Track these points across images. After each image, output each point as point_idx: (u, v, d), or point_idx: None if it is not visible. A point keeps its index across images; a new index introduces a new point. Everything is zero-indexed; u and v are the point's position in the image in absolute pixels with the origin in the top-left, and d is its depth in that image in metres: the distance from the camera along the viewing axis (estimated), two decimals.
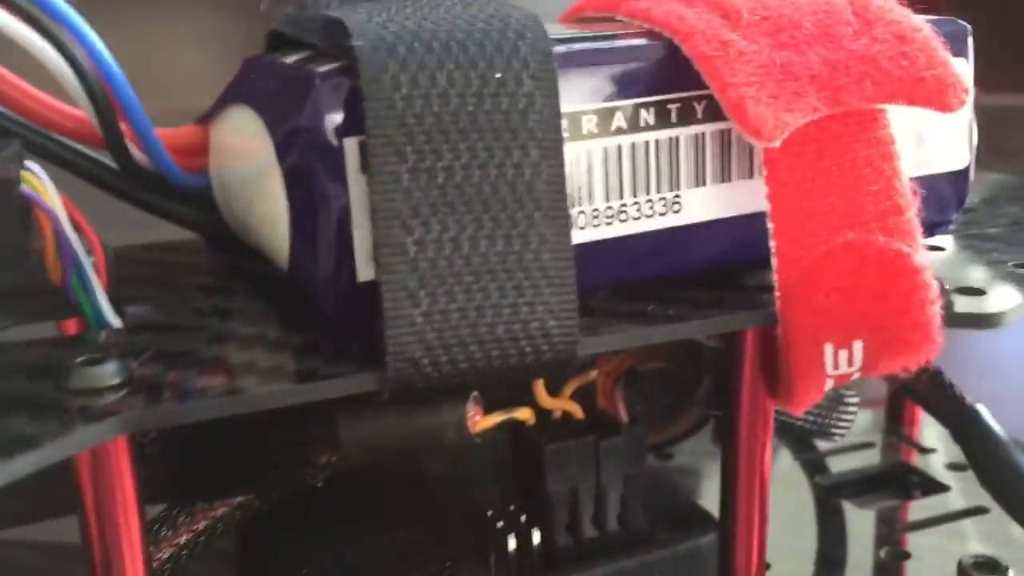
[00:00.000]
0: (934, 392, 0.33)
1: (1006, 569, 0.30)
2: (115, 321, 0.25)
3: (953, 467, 0.38)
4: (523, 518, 0.28)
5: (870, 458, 0.39)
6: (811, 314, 0.25)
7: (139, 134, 0.27)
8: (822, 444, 0.39)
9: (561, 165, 0.23)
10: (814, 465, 0.38)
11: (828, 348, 0.25)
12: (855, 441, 0.39)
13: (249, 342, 0.24)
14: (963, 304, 0.26)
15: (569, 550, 0.27)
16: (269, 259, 0.26)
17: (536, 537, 0.28)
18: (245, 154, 0.26)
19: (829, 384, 0.26)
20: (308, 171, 0.23)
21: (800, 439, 0.35)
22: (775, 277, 0.25)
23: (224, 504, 0.26)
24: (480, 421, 0.24)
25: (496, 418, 0.25)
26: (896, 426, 0.40)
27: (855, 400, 0.35)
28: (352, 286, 0.23)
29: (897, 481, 0.38)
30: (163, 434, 0.25)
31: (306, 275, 0.24)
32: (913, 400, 0.33)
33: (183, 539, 0.25)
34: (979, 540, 0.33)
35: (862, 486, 0.37)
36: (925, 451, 0.39)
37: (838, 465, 0.38)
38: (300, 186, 0.23)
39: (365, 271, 0.23)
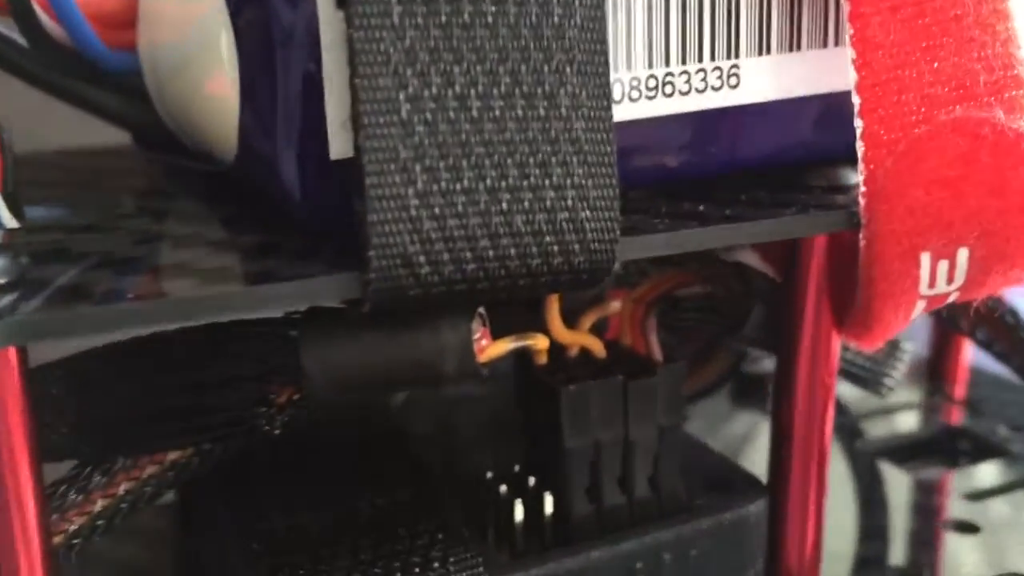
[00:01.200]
0: (1006, 335, 0.28)
1: None
2: (10, 221, 0.19)
3: (1014, 429, 0.33)
4: (532, 481, 0.22)
5: (909, 422, 0.34)
6: (907, 213, 0.19)
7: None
8: (857, 405, 0.34)
9: (601, 5, 0.17)
10: (848, 430, 0.33)
11: (925, 258, 0.20)
12: (893, 402, 0.34)
13: (185, 242, 0.18)
14: None
15: (589, 520, 0.22)
16: (214, 155, 0.20)
17: (549, 504, 0.22)
18: (183, 20, 0.20)
19: (920, 307, 0.21)
20: (265, 9, 0.17)
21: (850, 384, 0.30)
22: (861, 167, 0.19)
23: (153, 461, 0.20)
24: (488, 347, 0.18)
25: (508, 344, 0.19)
26: (939, 384, 0.35)
27: (910, 347, 0.30)
28: (323, 166, 0.17)
29: (946, 447, 0.32)
30: (72, 368, 0.19)
31: (262, 158, 0.18)
32: (980, 344, 0.28)
33: (97, 506, 0.20)
34: None
35: (906, 453, 0.32)
36: (976, 413, 0.34)
37: (874, 429, 0.33)
38: (255, 32, 0.17)
39: (341, 144, 0.17)
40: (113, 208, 0.21)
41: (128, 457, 0.20)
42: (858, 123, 0.19)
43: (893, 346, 0.29)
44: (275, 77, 0.17)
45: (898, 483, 0.30)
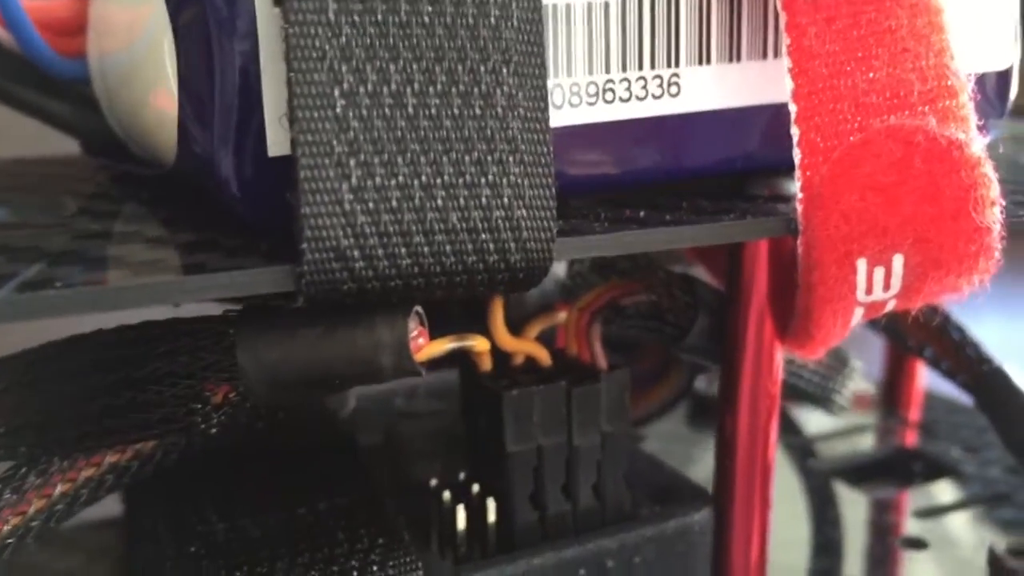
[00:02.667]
0: (953, 352, 0.28)
1: None
2: None
3: (966, 450, 0.33)
4: (475, 488, 0.22)
5: (864, 443, 0.34)
6: (842, 219, 0.20)
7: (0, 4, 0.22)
8: (810, 427, 0.34)
9: (537, 8, 0.18)
10: (803, 450, 0.33)
11: (862, 264, 0.20)
12: (847, 424, 0.34)
13: (124, 239, 0.18)
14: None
15: (532, 527, 0.22)
16: (159, 159, 0.20)
17: (492, 511, 0.22)
18: (129, 29, 0.21)
19: (858, 315, 0.21)
20: (203, 5, 0.17)
21: (799, 401, 0.30)
22: (798, 174, 0.20)
23: (90, 464, 0.20)
24: (425, 346, 0.19)
25: (446, 343, 0.19)
26: (893, 407, 0.35)
27: (859, 365, 0.30)
28: (261, 163, 0.17)
29: (899, 467, 0.33)
30: (6, 368, 0.19)
31: (202, 156, 0.18)
32: (928, 362, 0.29)
33: (32, 507, 0.19)
34: (1003, 528, 0.29)
35: (860, 473, 0.32)
36: (928, 434, 0.34)
37: (829, 451, 0.33)
38: (193, 29, 0.18)
39: (278, 141, 0.17)
40: (55, 209, 0.21)
41: (64, 457, 0.20)
42: (795, 131, 0.20)
43: (842, 362, 0.29)
44: (213, 73, 0.17)
45: (852, 502, 0.30)
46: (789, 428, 0.34)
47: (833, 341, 0.22)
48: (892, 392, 0.36)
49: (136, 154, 0.22)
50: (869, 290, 0.20)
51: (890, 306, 0.21)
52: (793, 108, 0.20)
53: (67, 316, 0.15)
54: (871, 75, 0.20)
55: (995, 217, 0.20)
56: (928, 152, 0.19)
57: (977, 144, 0.20)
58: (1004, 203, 0.20)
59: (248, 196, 0.18)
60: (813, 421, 0.34)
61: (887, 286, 0.20)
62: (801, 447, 0.33)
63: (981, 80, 0.23)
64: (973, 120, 0.20)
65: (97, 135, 0.23)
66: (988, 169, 0.19)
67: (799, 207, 0.20)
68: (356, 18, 0.16)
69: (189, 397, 0.18)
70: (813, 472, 0.32)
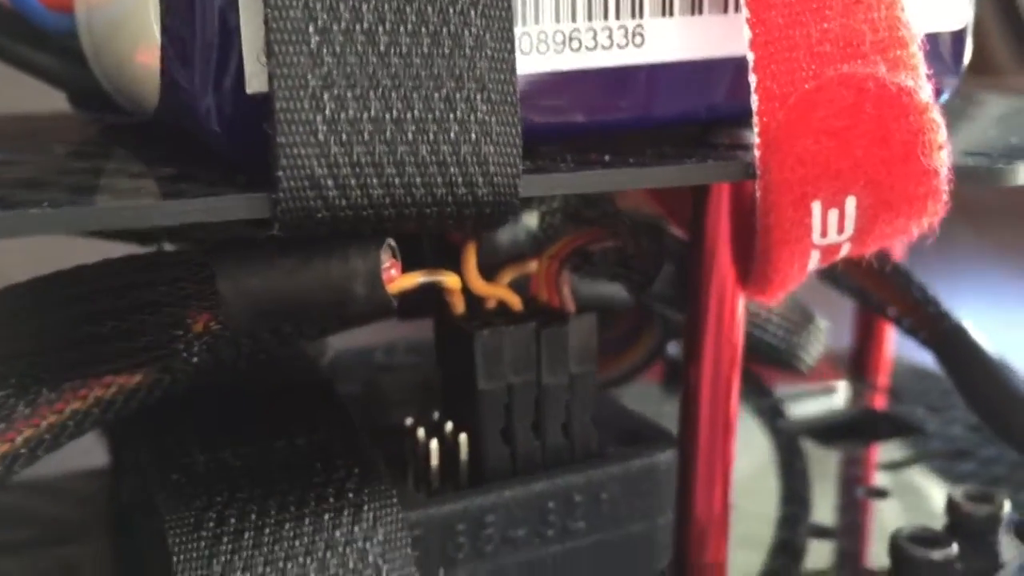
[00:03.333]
0: (914, 309, 0.29)
1: (1001, 501, 0.26)
2: None
3: (930, 410, 0.34)
4: (449, 426, 0.23)
5: (832, 405, 0.35)
6: (797, 162, 0.20)
7: None
8: (780, 390, 0.35)
9: None
10: (773, 411, 0.34)
11: (816, 207, 0.21)
12: (817, 388, 0.35)
13: (108, 174, 0.19)
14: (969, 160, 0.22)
15: (503, 461, 0.23)
16: (144, 107, 0.21)
17: (464, 446, 0.23)
18: None
19: (815, 259, 0.22)
20: None
21: (767, 360, 0.31)
22: (755, 120, 0.21)
23: (77, 397, 0.21)
24: (398, 278, 0.19)
25: (417, 277, 0.20)
26: (861, 372, 0.36)
27: (825, 326, 0.31)
28: (240, 99, 0.18)
29: (865, 427, 0.34)
30: None
31: (183, 98, 0.19)
32: (891, 319, 0.30)
33: (21, 436, 0.20)
34: (963, 480, 0.30)
35: (828, 432, 0.33)
36: (895, 397, 0.35)
37: (798, 412, 0.34)
38: None
39: (257, 78, 0.18)
40: (43, 151, 0.22)
41: (52, 388, 0.21)
42: (752, 78, 0.21)
43: (807, 319, 0.30)
44: (194, 16, 0.18)
45: (819, 458, 0.31)
46: (760, 391, 0.35)
47: (791, 284, 0.23)
48: (861, 357, 0.37)
49: (121, 104, 0.23)
50: (824, 232, 0.21)
51: (845, 249, 0.22)
52: (751, 56, 0.21)
53: (53, 234, 0.16)
54: (825, 25, 0.21)
55: (942, 161, 0.21)
56: (878, 98, 0.20)
57: (926, 91, 0.21)
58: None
59: (228, 132, 0.19)
60: (784, 385, 0.35)
61: (841, 228, 0.21)
62: (771, 408, 0.34)
63: (936, 39, 0.24)
64: (923, 69, 0.21)
65: (84, 87, 0.24)
66: (936, 115, 0.20)
67: (757, 152, 0.21)
68: None
69: (170, 325, 0.19)
70: (782, 431, 0.33)
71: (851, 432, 0.33)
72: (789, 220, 0.21)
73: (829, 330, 0.32)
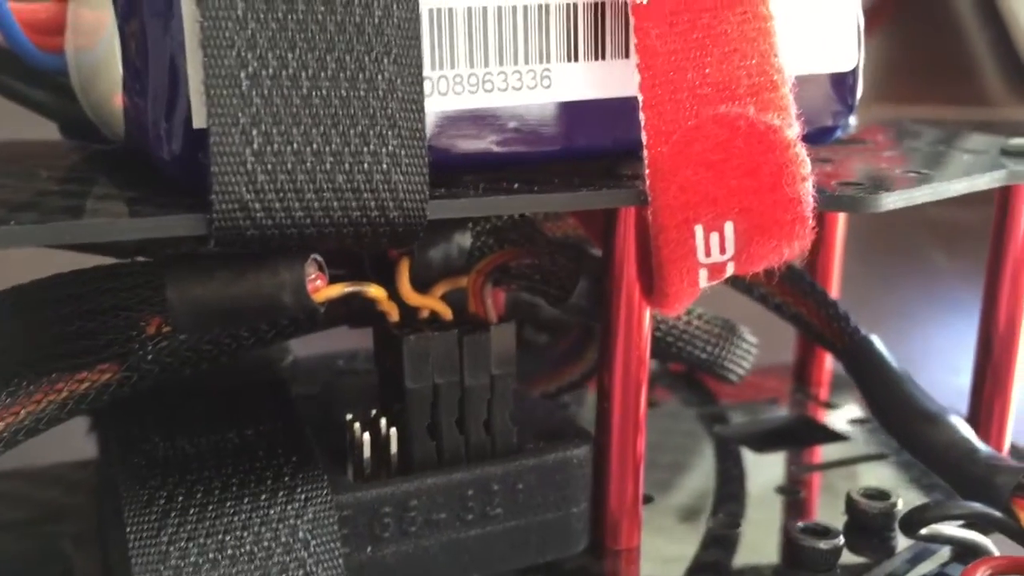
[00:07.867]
0: (828, 324, 0.32)
1: (895, 499, 0.29)
2: None
3: (856, 422, 0.36)
4: (383, 421, 0.26)
5: (774, 414, 0.37)
6: (680, 190, 0.23)
7: None
8: (725, 399, 0.38)
9: (415, 9, 0.22)
10: (714, 418, 0.37)
11: (699, 230, 0.24)
12: (760, 398, 0.38)
13: (72, 196, 0.22)
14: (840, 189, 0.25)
15: (429, 454, 0.26)
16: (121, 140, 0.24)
17: (394, 439, 0.26)
18: (95, 28, 0.25)
19: (703, 276, 0.25)
20: (138, 5, 0.21)
21: (698, 369, 0.33)
22: (645, 153, 0.24)
23: (54, 389, 0.24)
24: (322, 288, 0.22)
25: (341, 288, 0.23)
26: (803, 385, 0.39)
27: (752, 339, 0.34)
28: (187, 132, 0.21)
29: (798, 434, 0.36)
30: None
31: (141, 129, 0.22)
32: (808, 335, 0.32)
33: (2, 424, 0.23)
34: (873, 480, 0.32)
35: (762, 438, 0.36)
36: (831, 408, 0.38)
37: (739, 419, 0.37)
38: (131, 24, 0.22)
39: (200, 114, 0.21)
40: (27, 177, 0.25)
41: (31, 382, 0.24)
42: (642, 116, 0.24)
43: (730, 331, 0.33)
44: (148, 58, 0.21)
45: (747, 460, 0.34)
46: (706, 400, 0.38)
47: (685, 299, 0.25)
48: (803, 370, 0.39)
49: (106, 135, 0.26)
50: (708, 252, 0.24)
51: (730, 268, 0.25)
52: (640, 98, 0.24)
53: (24, 247, 0.19)
54: (706, 71, 0.23)
55: (807, 190, 0.23)
56: (747, 135, 0.23)
57: (793, 129, 0.23)
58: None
59: (177, 160, 0.22)
60: (730, 397, 0.38)
61: (723, 249, 0.24)
62: (712, 415, 0.37)
63: (828, 80, 0.27)
64: (792, 109, 0.24)
65: (74, 119, 0.27)
66: (800, 150, 0.23)
67: (647, 181, 0.24)
68: (260, 15, 0.20)
69: (127, 327, 0.22)
70: (718, 435, 0.35)
71: (784, 438, 0.36)
72: (675, 241, 0.24)
73: (752, 339, 0.34)
